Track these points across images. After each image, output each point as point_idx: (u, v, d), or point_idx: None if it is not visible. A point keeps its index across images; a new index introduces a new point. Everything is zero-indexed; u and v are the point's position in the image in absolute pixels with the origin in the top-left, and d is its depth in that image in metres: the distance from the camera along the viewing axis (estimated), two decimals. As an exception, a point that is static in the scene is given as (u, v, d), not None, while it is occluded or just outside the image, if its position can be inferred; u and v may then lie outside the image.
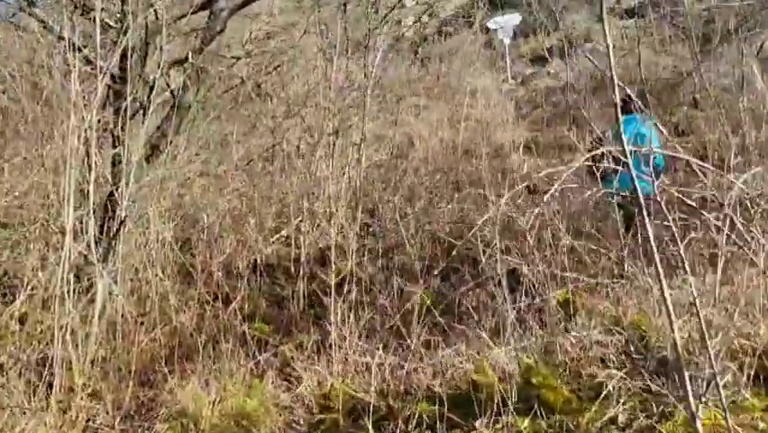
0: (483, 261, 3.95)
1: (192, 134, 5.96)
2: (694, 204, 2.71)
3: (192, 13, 5.85)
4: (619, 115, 2.71)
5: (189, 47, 5.83)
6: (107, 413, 3.77)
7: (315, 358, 4.05)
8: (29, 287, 4.16)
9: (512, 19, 13.22)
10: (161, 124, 5.62)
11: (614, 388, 3.11)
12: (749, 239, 3.06)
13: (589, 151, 4.62)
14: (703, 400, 2.90)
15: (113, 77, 4.97)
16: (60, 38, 4.86)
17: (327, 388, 3.66)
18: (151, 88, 5.10)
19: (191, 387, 3.82)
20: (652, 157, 2.94)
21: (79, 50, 4.61)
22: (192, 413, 3.69)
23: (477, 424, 3.31)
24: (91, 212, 4.30)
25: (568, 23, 12.85)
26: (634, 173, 2.49)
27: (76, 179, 4.17)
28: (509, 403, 3.26)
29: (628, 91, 3.65)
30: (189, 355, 4.23)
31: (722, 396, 2.64)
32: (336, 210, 5.76)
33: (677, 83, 10.00)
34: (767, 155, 6.39)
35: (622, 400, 3.17)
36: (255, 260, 5.53)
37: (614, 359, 3.36)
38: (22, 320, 4.16)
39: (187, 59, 5.65)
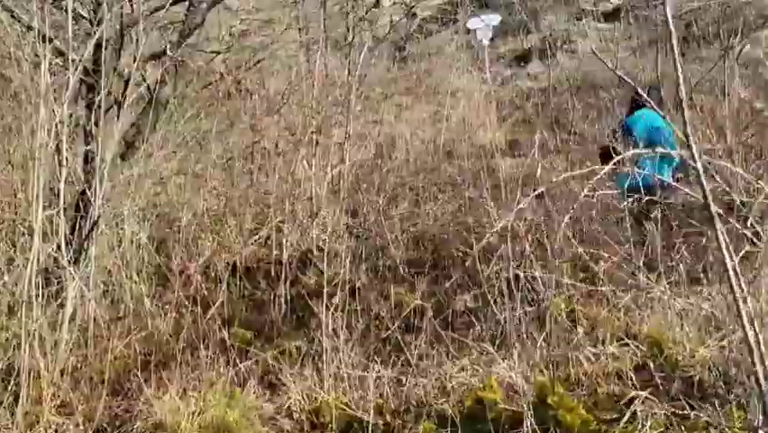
0: (482, 267, 3.80)
1: (169, 131, 5.88)
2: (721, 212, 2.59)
3: (171, 5, 5.73)
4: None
5: (167, 40, 5.70)
6: (78, 426, 3.64)
7: (302, 367, 3.90)
8: (-6, 291, 4.05)
9: (492, 20, 13.20)
10: (137, 119, 5.60)
11: (639, 411, 2.91)
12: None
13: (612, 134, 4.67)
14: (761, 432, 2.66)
15: (86, 69, 4.85)
16: (29, 28, 4.70)
17: (318, 402, 3.49)
18: (126, 83, 5.00)
19: (168, 397, 3.69)
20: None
21: (50, 40, 4.47)
22: (170, 425, 3.56)
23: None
24: (62, 211, 4.22)
25: (545, 24, 12.93)
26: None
27: (45, 177, 4.09)
28: (526, 425, 3.03)
29: (638, 88, 3.56)
30: (166, 363, 4.10)
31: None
32: (319, 211, 5.65)
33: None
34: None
35: (648, 424, 2.93)
36: (234, 262, 5.41)
37: (632, 376, 3.19)
38: (-14, 327, 4.04)
39: (164, 52, 5.53)
